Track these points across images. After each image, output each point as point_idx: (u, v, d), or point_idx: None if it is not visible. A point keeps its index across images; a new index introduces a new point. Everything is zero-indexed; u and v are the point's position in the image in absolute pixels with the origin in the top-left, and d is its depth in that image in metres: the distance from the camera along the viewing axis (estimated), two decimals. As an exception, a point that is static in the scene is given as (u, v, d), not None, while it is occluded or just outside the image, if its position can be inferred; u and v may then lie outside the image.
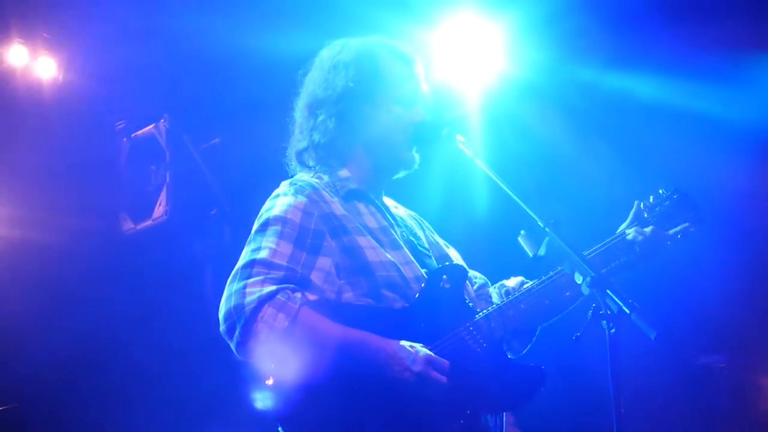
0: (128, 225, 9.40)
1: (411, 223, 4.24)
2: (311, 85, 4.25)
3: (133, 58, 8.73)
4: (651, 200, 4.13)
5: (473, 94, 8.62)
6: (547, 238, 3.66)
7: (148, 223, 9.24)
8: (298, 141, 4.20)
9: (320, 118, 4.12)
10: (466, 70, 8.40)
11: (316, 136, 4.11)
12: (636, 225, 4.04)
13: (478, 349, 3.74)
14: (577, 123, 8.75)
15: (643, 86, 9.46)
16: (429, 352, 3.62)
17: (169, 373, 9.19)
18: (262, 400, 3.74)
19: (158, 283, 9.32)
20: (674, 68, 9.53)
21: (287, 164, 4.28)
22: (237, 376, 7.19)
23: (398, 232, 4.03)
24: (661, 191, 4.17)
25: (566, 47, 8.72)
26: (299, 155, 4.19)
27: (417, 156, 4.12)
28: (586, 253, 3.91)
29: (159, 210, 9.14)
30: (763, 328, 8.73)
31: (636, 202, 4.14)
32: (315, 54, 4.45)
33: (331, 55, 4.25)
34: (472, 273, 4.21)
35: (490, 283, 4.33)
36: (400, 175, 4.24)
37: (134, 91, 9.09)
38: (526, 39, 8.56)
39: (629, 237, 3.97)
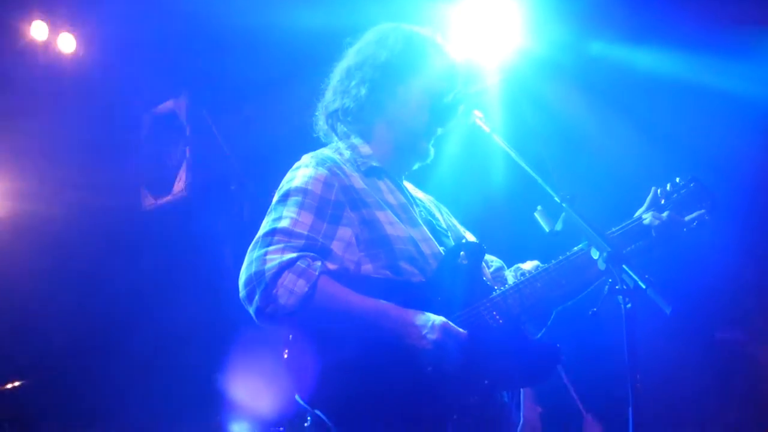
0: (148, 200, 9.49)
1: (430, 205, 4.28)
2: (356, 53, 4.29)
3: (153, 33, 8.84)
4: (668, 188, 4.11)
5: (492, 69, 8.76)
6: (564, 213, 3.69)
7: (168, 198, 9.33)
8: (329, 102, 4.24)
9: (354, 82, 4.17)
10: (485, 46, 8.49)
11: (347, 101, 4.15)
12: (653, 210, 4.06)
13: (495, 326, 3.77)
14: (597, 100, 8.78)
15: (664, 63, 9.62)
16: (446, 320, 3.65)
17: (188, 347, 9.28)
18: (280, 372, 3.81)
19: (178, 258, 9.44)
20: (694, 45, 9.70)
21: (314, 125, 4.31)
22: (257, 350, 7.36)
23: (417, 211, 4.06)
24: (678, 179, 4.13)
25: (585, 23, 8.79)
26: (328, 117, 4.23)
27: (432, 150, 4.18)
28: (613, 230, 3.95)
29: (179, 185, 9.23)
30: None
31: (653, 189, 4.14)
32: (332, 30, 4.52)
33: (382, 31, 4.30)
34: (488, 257, 4.24)
35: (506, 267, 4.35)
36: (416, 166, 4.28)
37: (154, 66, 9.18)
38: (545, 15, 8.51)
39: (646, 221, 3.98)
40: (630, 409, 3.52)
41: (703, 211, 4.02)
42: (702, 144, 9.35)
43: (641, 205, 4.12)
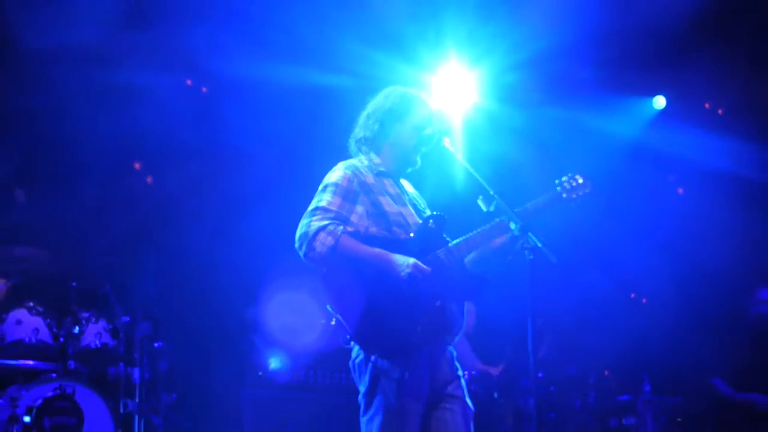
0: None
1: (415, 196, 6.24)
2: (373, 104, 6.09)
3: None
4: (564, 178, 5.91)
5: (457, 118, 10.83)
6: (495, 200, 5.69)
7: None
8: (357, 132, 6.06)
9: (371, 121, 6.01)
10: (452, 101, 10.69)
11: (367, 132, 5.99)
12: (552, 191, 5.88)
13: (448, 264, 5.63)
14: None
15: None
16: (417, 261, 5.47)
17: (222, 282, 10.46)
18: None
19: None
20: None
21: (348, 146, 6.12)
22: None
23: (406, 198, 5.94)
24: (569, 174, 5.95)
25: (539, 87, 11.02)
26: (357, 142, 6.04)
27: (419, 160, 6.01)
28: (523, 207, 5.74)
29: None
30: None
31: (556, 180, 5.94)
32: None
33: (389, 90, 6.13)
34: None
35: None
36: (409, 170, 6.08)
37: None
38: (500, 80, 10.84)
39: (548, 196, 5.81)
40: (529, 322, 5.46)
41: (586, 191, 5.92)
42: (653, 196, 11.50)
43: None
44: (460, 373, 5.75)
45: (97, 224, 10.25)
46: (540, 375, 10.50)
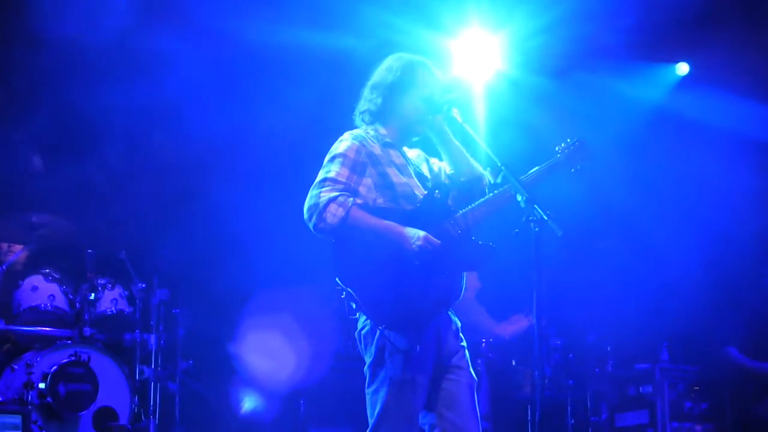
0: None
1: (419, 161, 6.22)
2: (376, 75, 6.03)
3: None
4: (563, 144, 5.82)
5: (479, 84, 10.74)
6: (502, 172, 5.74)
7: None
8: (362, 105, 6.02)
9: (374, 95, 5.95)
10: (474, 68, 10.56)
11: (371, 105, 5.95)
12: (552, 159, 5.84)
13: (455, 235, 5.60)
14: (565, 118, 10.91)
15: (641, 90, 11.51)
16: (427, 233, 5.47)
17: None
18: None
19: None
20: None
21: (353, 117, 6.10)
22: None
23: (411, 169, 5.96)
24: (568, 139, 5.85)
25: (562, 53, 10.78)
26: (361, 114, 6.01)
27: (426, 130, 5.93)
28: (525, 175, 5.63)
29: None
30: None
31: (557, 147, 5.87)
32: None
33: (392, 60, 6.05)
34: None
35: None
36: (415, 139, 6.06)
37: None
38: (523, 45, 10.67)
39: (549, 163, 5.67)
40: (534, 293, 5.33)
41: (588, 156, 5.81)
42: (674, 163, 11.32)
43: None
44: (464, 344, 5.74)
45: (118, 191, 10.29)
46: (559, 342, 10.49)
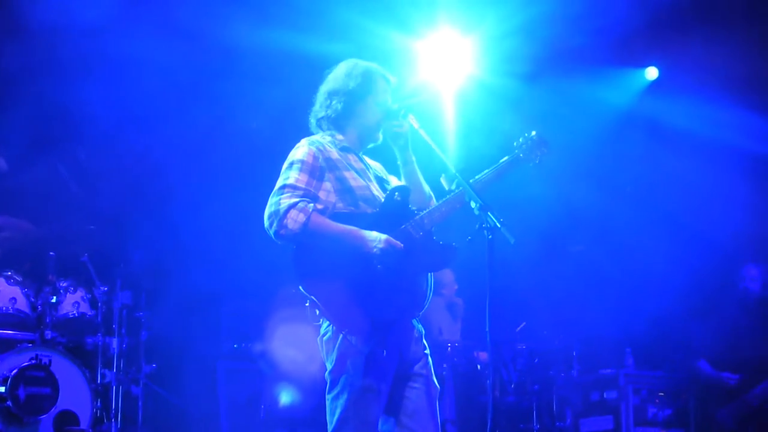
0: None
1: (379, 169, 6.31)
2: (333, 80, 6.02)
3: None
4: (521, 139, 5.87)
5: (448, 93, 10.87)
6: (456, 179, 5.81)
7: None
8: (317, 111, 6.01)
9: (333, 101, 5.94)
10: (443, 72, 10.58)
11: (329, 112, 5.94)
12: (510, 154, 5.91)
13: (416, 237, 5.60)
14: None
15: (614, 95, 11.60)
16: (389, 236, 5.48)
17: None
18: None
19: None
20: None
21: (309, 123, 6.08)
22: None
23: (371, 172, 6.02)
24: (526, 134, 5.91)
25: (533, 56, 10.79)
26: (318, 120, 6.02)
27: (381, 136, 5.97)
28: (481, 175, 5.70)
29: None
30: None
31: (514, 143, 5.92)
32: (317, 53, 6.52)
33: (348, 67, 6.04)
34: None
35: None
36: (372, 145, 6.05)
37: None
38: (494, 48, 10.67)
39: (505, 159, 5.77)
40: (487, 299, 5.27)
41: (545, 150, 5.88)
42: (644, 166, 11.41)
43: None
44: (427, 351, 5.75)
45: (82, 193, 10.26)
46: (524, 347, 10.54)
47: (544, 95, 11.00)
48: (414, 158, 6.03)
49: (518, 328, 10.86)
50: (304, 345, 9.30)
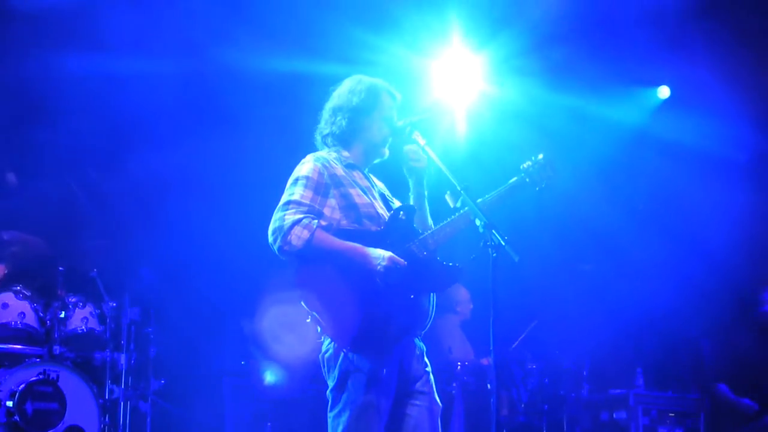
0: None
1: (383, 188, 6.24)
2: (337, 97, 6.09)
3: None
4: (528, 162, 5.84)
5: (460, 110, 10.82)
6: (461, 196, 5.79)
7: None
8: (323, 128, 6.06)
9: (338, 118, 5.99)
10: (455, 91, 10.60)
11: (334, 128, 5.99)
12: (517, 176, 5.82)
13: (420, 256, 5.62)
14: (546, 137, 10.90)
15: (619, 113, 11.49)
16: (392, 254, 5.48)
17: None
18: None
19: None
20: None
21: (315, 140, 6.13)
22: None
23: (375, 190, 6.01)
24: (533, 157, 5.90)
25: (543, 74, 10.78)
26: (323, 137, 6.06)
27: (387, 152, 6.02)
28: (487, 197, 5.73)
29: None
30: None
31: (521, 166, 5.88)
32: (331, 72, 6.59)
33: (353, 83, 6.11)
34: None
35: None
36: (377, 161, 6.08)
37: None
38: (506, 66, 10.66)
39: (513, 181, 5.79)
40: (491, 318, 5.32)
41: (551, 174, 5.86)
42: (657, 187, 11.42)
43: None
44: (428, 368, 5.75)
45: (93, 210, 10.31)
46: (535, 367, 10.50)
47: (557, 113, 10.95)
48: (426, 192, 6.07)
49: (529, 328, 10.78)
50: (294, 326, 9.36)
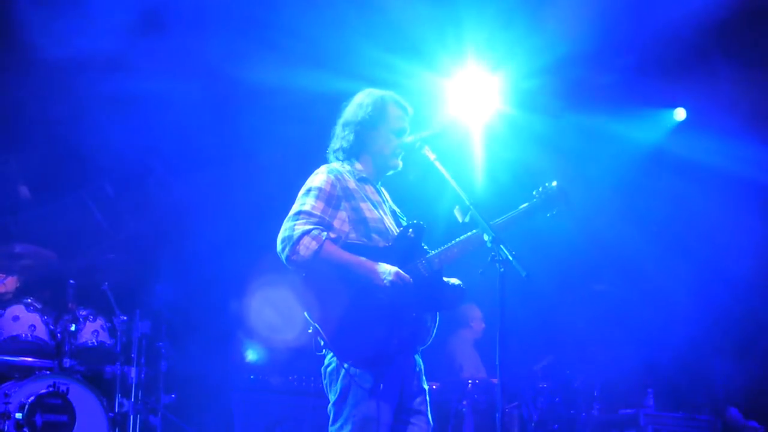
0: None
1: (393, 204, 6.29)
2: (347, 112, 6.15)
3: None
4: (540, 189, 5.84)
5: (476, 129, 10.94)
6: (470, 211, 5.79)
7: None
8: (334, 143, 6.12)
9: (347, 132, 6.05)
10: (470, 110, 10.66)
11: (344, 143, 6.04)
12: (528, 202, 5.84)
13: (426, 274, 5.65)
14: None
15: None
16: (399, 269, 5.51)
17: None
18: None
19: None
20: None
21: (327, 155, 6.16)
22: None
23: (386, 206, 6.04)
24: (546, 183, 5.88)
25: (559, 94, 10.86)
26: (334, 152, 6.09)
27: (400, 163, 6.05)
28: (497, 220, 5.72)
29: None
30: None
31: (534, 192, 5.89)
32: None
33: (361, 97, 6.16)
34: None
35: None
36: (390, 173, 6.11)
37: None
38: (522, 86, 10.70)
39: (523, 207, 5.80)
40: (497, 334, 5.31)
41: (562, 203, 5.86)
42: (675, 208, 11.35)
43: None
44: (425, 386, 5.77)
45: (108, 225, 10.41)
46: (546, 386, 10.48)
47: (572, 133, 10.94)
48: None
49: (542, 363, 10.78)
50: (281, 309, 9.44)
